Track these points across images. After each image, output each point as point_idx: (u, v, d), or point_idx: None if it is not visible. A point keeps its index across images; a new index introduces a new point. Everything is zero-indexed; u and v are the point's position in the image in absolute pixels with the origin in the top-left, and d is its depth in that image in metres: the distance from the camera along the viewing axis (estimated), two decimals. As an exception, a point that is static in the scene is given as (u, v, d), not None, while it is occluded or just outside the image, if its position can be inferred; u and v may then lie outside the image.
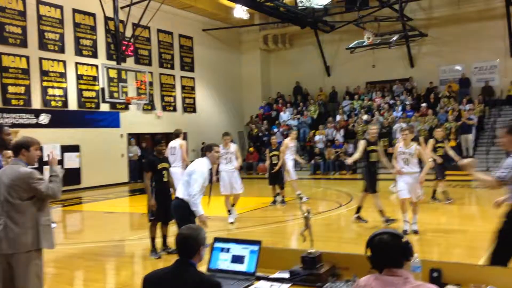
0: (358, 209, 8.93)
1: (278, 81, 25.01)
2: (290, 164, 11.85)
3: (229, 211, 9.58)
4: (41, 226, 3.89)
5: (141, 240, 8.17)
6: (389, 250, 2.24)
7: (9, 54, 14.76)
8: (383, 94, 21.91)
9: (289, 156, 11.84)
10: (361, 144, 8.69)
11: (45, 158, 4.34)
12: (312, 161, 19.68)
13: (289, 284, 2.98)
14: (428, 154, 9.44)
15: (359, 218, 8.90)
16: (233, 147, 9.68)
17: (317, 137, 20.45)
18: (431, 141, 10.62)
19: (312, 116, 22.31)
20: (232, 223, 9.33)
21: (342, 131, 20.39)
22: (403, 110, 19.96)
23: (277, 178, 11.40)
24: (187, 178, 5.53)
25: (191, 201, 5.40)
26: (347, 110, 21.98)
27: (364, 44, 19.17)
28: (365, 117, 20.38)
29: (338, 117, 21.35)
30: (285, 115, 22.54)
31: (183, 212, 5.50)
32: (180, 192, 5.61)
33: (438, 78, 21.52)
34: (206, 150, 5.74)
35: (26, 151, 3.95)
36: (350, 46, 19.86)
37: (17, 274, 3.79)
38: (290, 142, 11.97)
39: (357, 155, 8.76)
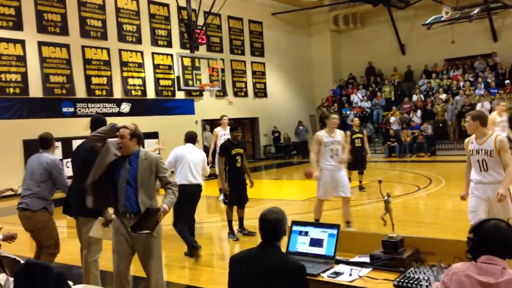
0: None
1: (349, 62, 24.44)
2: None
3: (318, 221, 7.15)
4: None
5: (218, 223, 8.43)
6: (502, 238, 2.15)
7: (91, 47, 15.63)
8: (464, 71, 20.72)
9: None
10: None
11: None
12: (387, 143, 19.14)
13: (370, 269, 2.95)
14: None
15: None
16: (339, 134, 7.06)
17: (392, 119, 19.82)
18: None
19: (387, 97, 21.62)
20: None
21: (419, 112, 19.60)
22: (486, 88, 18.77)
23: (361, 163, 10.68)
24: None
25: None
26: (424, 89, 21.06)
27: (442, 19, 18.14)
28: (443, 96, 19.42)
29: (414, 97, 20.52)
30: (357, 97, 22.03)
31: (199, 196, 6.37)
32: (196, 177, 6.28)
33: (525, 52, 19.97)
34: None
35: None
36: (427, 22, 18.88)
37: None
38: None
39: None
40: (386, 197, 3.12)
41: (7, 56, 13.65)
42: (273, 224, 2.65)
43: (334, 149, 6.73)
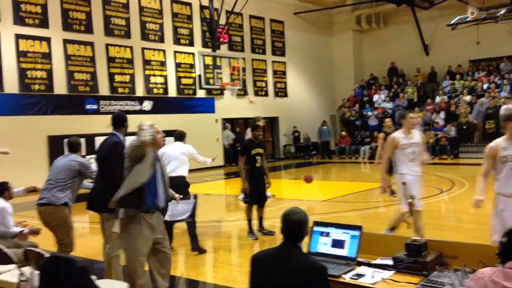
0: None
1: (371, 62, 24.22)
2: None
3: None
4: None
5: (238, 222, 8.45)
6: None
7: (115, 45, 15.84)
8: (489, 73, 20.33)
9: None
10: None
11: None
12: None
13: (393, 271, 2.92)
14: None
15: None
16: (417, 135, 6.11)
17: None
18: None
19: (409, 98, 21.36)
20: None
21: (442, 114, 19.30)
22: (511, 90, 18.39)
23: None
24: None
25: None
26: (448, 91, 20.73)
27: (468, 19, 17.80)
28: (467, 98, 19.09)
29: (437, 99, 20.22)
30: (379, 98, 21.82)
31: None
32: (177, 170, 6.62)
33: (554, 53, 19.50)
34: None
35: None
36: (452, 22, 18.55)
37: None
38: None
39: None
40: (410, 200, 3.08)
41: (33, 53, 13.92)
42: (296, 225, 2.65)
43: (413, 152, 5.85)
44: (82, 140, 15.31)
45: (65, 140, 5.55)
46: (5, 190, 5.21)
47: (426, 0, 20.38)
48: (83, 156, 5.66)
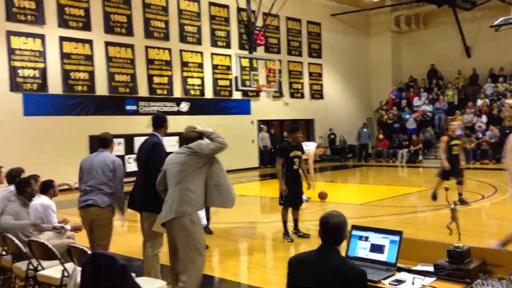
0: None
1: (410, 64, 23.74)
2: None
3: None
4: None
5: (273, 223, 8.45)
6: None
7: (154, 47, 16.15)
8: (534, 75, 19.59)
9: None
10: None
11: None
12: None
13: (434, 278, 2.86)
14: None
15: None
16: None
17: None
18: None
19: (450, 101, 20.81)
20: None
21: (484, 117, 18.72)
22: (559, 93, 17.67)
23: (460, 172, 9.39)
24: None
25: None
26: (490, 93, 20.09)
27: (511, 21, 17.25)
28: (511, 101, 18.45)
29: (479, 102, 19.63)
30: (419, 101, 21.36)
31: None
32: None
33: None
34: None
35: None
36: (495, 23, 17.96)
37: None
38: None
39: None
40: (453, 206, 3.01)
41: (76, 55, 14.37)
42: (335, 228, 2.63)
43: None
44: (121, 140, 15.83)
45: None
46: (50, 188, 5.31)
47: (468, 1, 19.83)
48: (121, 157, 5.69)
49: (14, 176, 5.68)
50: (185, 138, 4.37)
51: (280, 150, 7.32)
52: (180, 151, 4.28)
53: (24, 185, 5.28)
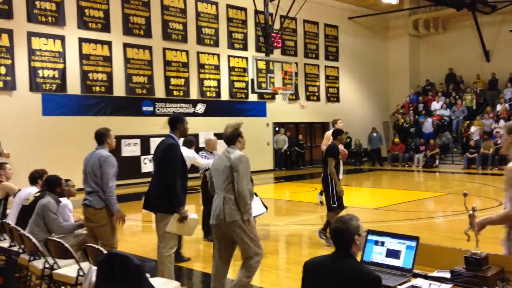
0: None
1: (428, 68, 23.51)
2: None
3: None
4: None
5: (287, 226, 8.43)
6: None
7: (171, 49, 16.26)
8: (555, 80, 19.22)
9: None
10: None
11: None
12: (466, 154, 18.20)
13: (451, 285, 2.81)
14: None
15: None
16: None
17: (472, 128, 18.80)
18: None
19: (468, 105, 20.55)
20: None
21: (502, 122, 18.42)
22: None
23: None
24: None
25: None
26: (509, 98, 19.77)
27: (533, 24, 16.97)
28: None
29: (498, 107, 19.34)
30: (437, 105, 21.12)
31: None
32: None
33: None
34: None
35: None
36: (516, 27, 17.77)
37: None
38: None
39: None
40: (471, 212, 2.96)
41: (95, 57, 14.55)
42: (338, 234, 2.64)
43: None
44: (137, 141, 15.99)
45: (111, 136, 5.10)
46: (57, 186, 5.23)
47: (488, 4, 19.57)
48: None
49: (36, 178, 5.68)
50: (223, 137, 4.52)
51: (334, 152, 7.32)
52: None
53: (54, 184, 5.23)
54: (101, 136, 5.02)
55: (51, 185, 5.23)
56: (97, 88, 14.61)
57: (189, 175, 5.06)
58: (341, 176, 7.41)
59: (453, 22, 22.40)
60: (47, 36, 13.60)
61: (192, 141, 7.11)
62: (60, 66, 13.85)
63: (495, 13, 20.03)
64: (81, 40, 14.26)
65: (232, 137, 4.47)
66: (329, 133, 9.83)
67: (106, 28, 14.77)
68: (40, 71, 13.48)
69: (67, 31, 13.99)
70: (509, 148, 3.49)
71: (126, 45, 15.19)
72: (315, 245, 7.05)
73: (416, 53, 23.96)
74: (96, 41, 14.55)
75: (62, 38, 13.87)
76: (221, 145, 5.85)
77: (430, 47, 23.51)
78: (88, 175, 4.88)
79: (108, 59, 14.81)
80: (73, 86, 14.13)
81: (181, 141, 5.08)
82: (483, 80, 21.55)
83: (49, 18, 13.67)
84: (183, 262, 6.19)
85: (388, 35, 24.14)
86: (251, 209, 4.37)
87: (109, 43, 14.81)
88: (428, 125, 20.14)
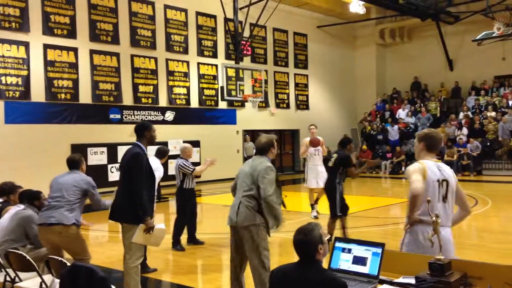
0: None
1: (394, 77, 24.05)
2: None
3: None
4: None
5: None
6: None
7: (140, 56, 16.08)
8: (515, 89, 19.96)
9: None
10: None
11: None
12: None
13: (415, 291, 2.86)
14: None
15: None
16: None
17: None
18: None
19: (432, 113, 21.10)
20: None
21: (465, 129, 19.00)
22: (538, 107, 18.02)
23: None
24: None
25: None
26: (472, 107, 20.41)
27: (494, 35, 17.57)
28: (493, 114, 18.76)
29: (461, 115, 19.93)
30: (403, 112, 21.60)
31: None
32: None
33: None
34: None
35: None
36: (477, 38, 18.33)
37: None
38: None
39: None
40: (434, 218, 3.02)
41: (60, 63, 14.23)
42: (299, 246, 2.68)
43: None
44: (104, 149, 15.67)
45: (68, 156, 5.30)
46: (35, 199, 5.30)
47: (452, 15, 20.19)
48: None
49: (5, 190, 5.69)
50: (256, 146, 4.62)
51: (348, 160, 7.36)
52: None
53: (33, 198, 5.31)
54: (76, 163, 5.12)
55: (30, 198, 5.28)
56: (63, 96, 14.28)
57: (162, 183, 5.01)
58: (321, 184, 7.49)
59: (418, 31, 23.02)
60: (11, 42, 13.22)
61: (164, 152, 6.92)
62: (24, 73, 13.49)
63: (458, 23, 20.68)
64: (46, 47, 13.94)
65: (266, 147, 4.60)
66: (306, 139, 9.90)
67: (72, 34, 14.48)
68: (3, 78, 13.08)
69: (31, 37, 13.65)
70: (419, 155, 3.99)
71: (92, 52, 14.93)
72: (285, 253, 7.05)
73: (382, 62, 24.50)
74: (61, 48, 14.24)
75: (26, 44, 13.51)
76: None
77: (396, 56, 24.09)
78: (61, 192, 4.86)
79: (74, 66, 14.51)
80: (38, 93, 13.77)
81: (154, 150, 4.98)
82: (447, 88, 22.19)
83: (13, 24, 13.31)
84: (149, 273, 6.07)
85: (355, 44, 24.60)
86: (281, 215, 4.44)
87: (75, 50, 14.53)
88: (394, 133, 20.57)
